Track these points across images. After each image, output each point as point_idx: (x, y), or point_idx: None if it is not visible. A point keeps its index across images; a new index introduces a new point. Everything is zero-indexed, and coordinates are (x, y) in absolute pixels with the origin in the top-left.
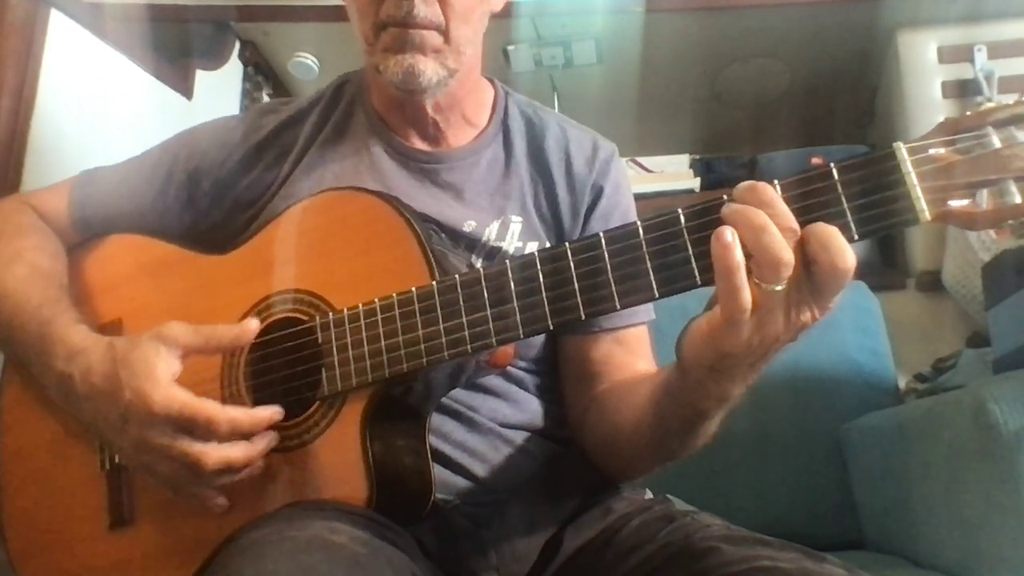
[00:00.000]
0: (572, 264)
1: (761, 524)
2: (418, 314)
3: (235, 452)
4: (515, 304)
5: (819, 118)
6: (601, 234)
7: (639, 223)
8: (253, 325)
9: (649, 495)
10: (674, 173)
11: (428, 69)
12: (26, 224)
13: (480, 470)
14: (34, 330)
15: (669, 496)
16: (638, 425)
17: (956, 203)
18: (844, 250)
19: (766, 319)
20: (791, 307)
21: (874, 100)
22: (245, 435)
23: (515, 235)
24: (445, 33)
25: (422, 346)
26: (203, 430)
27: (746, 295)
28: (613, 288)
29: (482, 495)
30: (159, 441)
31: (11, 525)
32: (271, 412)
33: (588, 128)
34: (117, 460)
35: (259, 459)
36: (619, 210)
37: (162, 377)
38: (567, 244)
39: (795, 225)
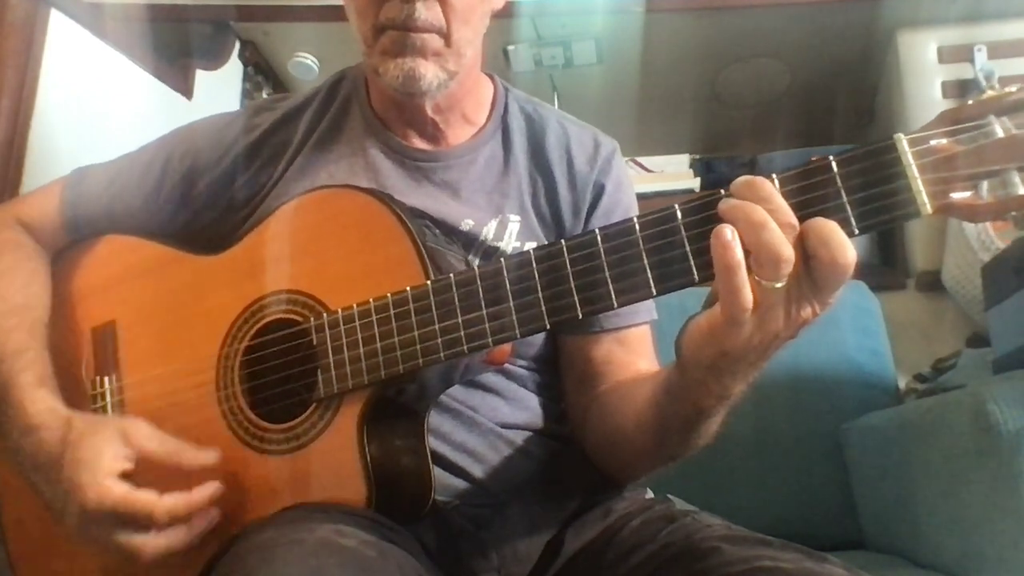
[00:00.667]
0: (568, 262)
1: (761, 524)
2: (413, 314)
3: (174, 540)
4: (511, 303)
5: (819, 118)
6: (597, 231)
7: (635, 220)
8: (214, 457)
9: (650, 495)
10: (674, 173)
11: (428, 73)
12: (1, 243)
13: (480, 472)
14: None
15: (670, 496)
16: (639, 424)
17: (958, 195)
18: (844, 245)
19: (766, 316)
20: (791, 304)
21: (874, 100)
22: (186, 519)
23: (513, 234)
24: (446, 36)
25: (418, 347)
26: (142, 522)
27: (747, 294)
28: (610, 286)
29: (482, 496)
30: (95, 533)
31: (11, 528)
32: (210, 492)
33: (588, 125)
34: None
35: (199, 536)
36: (621, 208)
37: (103, 469)
38: (563, 242)
39: (794, 220)
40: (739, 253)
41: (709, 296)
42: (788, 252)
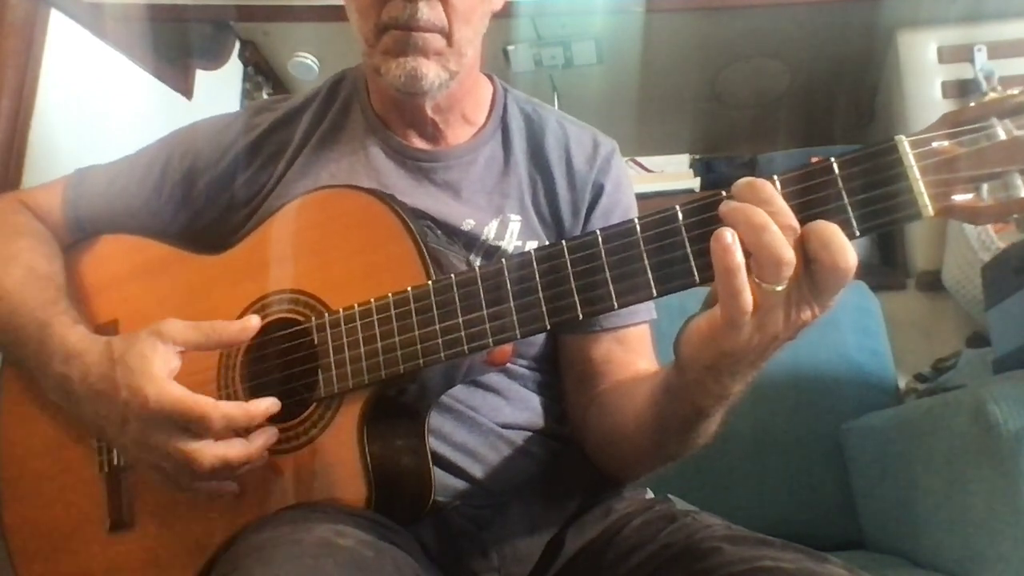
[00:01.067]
0: (569, 263)
1: (761, 524)
2: (414, 314)
3: (231, 451)
4: (511, 304)
5: (819, 118)
6: (598, 232)
7: (636, 221)
8: (254, 321)
9: (650, 495)
10: (674, 173)
11: (430, 72)
12: (22, 224)
13: (480, 472)
14: (32, 333)
15: (670, 496)
16: (638, 424)
17: (960, 197)
18: (845, 248)
19: (766, 319)
20: (791, 306)
21: (874, 100)
22: (242, 430)
23: (514, 234)
24: (448, 35)
25: (418, 347)
26: (198, 426)
27: (747, 297)
28: (611, 287)
29: (483, 496)
30: (156, 439)
31: (12, 527)
32: (267, 405)
33: (588, 125)
34: (117, 462)
35: (258, 456)
36: (620, 207)
37: (158, 373)
38: (564, 242)
39: (795, 223)
40: (739, 256)
41: (708, 297)
42: (789, 255)
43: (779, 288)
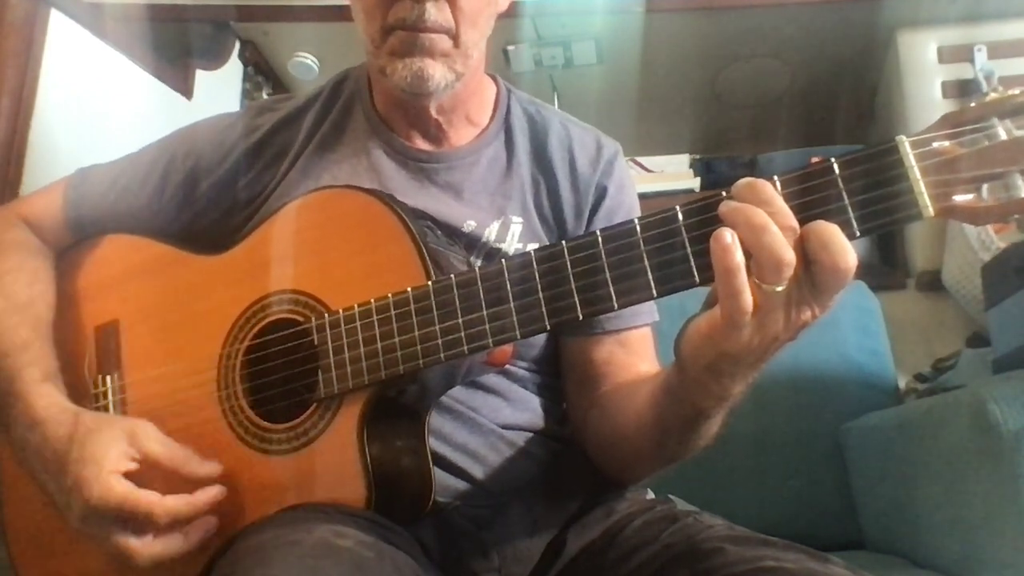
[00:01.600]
0: (569, 263)
1: (761, 524)
2: (414, 315)
3: (170, 547)
4: (511, 304)
5: (819, 118)
6: (598, 232)
7: (636, 221)
8: (217, 469)
9: (651, 495)
10: (674, 173)
11: (436, 73)
12: (8, 241)
13: (481, 473)
14: (2, 379)
15: (671, 496)
16: (639, 426)
17: (960, 197)
18: (845, 249)
19: (767, 319)
20: (791, 306)
21: (874, 100)
22: (185, 522)
23: (515, 236)
24: (455, 37)
25: (418, 347)
26: (141, 522)
27: (747, 297)
28: (611, 288)
29: (483, 497)
30: (95, 530)
31: (12, 527)
32: (212, 495)
33: (591, 127)
34: None
35: (196, 547)
36: (623, 209)
37: (108, 466)
38: (564, 243)
39: (795, 224)
40: (739, 256)
41: (708, 297)
42: (789, 255)
43: (779, 289)
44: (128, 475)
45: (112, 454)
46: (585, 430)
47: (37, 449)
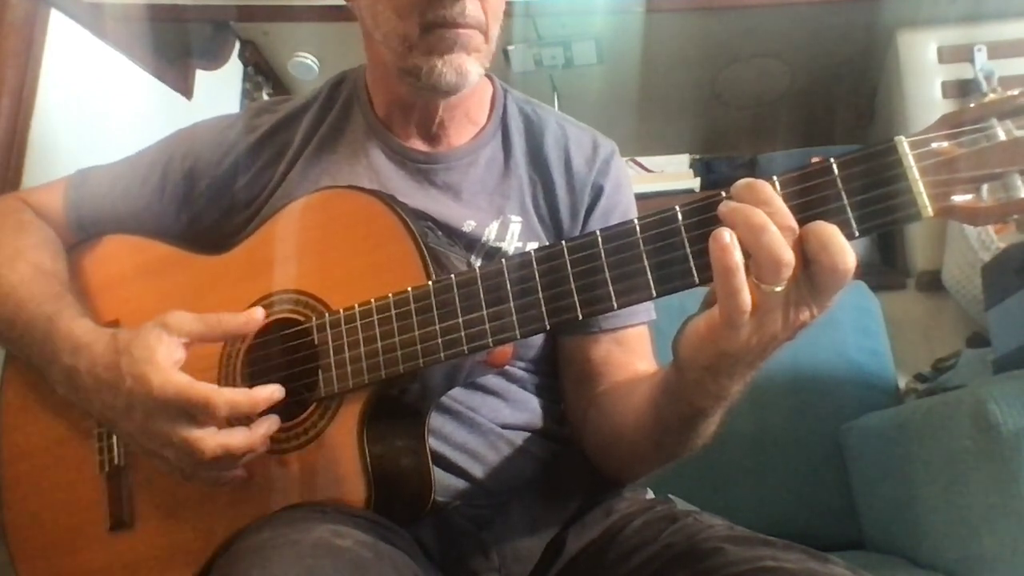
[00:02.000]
0: (568, 263)
1: (761, 524)
2: (414, 315)
3: (233, 439)
4: (511, 304)
5: (819, 118)
6: (598, 232)
7: (636, 221)
8: (259, 314)
9: (651, 495)
10: (674, 173)
11: (473, 69)
12: (27, 222)
13: (480, 472)
14: (39, 326)
15: (671, 496)
16: (638, 425)
17: (959, 198)
18: (844, 250)
19: (765, 319)
20: (790, 306)
21: (874, 100)
22: (245, 417)
23: (515, 235)
24: (485, 32)
25: (418, 347)
26: (202, 413)
27: (745, 297)
28: (610, 287)
29: (483, 497)
30: (160, 426)
31: (13, 526)
32: (271, 391)
33: (587, 126)
34: (117, 462)
35: (261, 444)
36: (619, 209)
37: (162, 362)
38: (563, 243)
39: (794, 224)
40: (737, 255)
41: (707, 297)
42: (788, 256)
43: (778, 289)
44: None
45: (161, 348)
46: (583, 429)
47: (88, 369)
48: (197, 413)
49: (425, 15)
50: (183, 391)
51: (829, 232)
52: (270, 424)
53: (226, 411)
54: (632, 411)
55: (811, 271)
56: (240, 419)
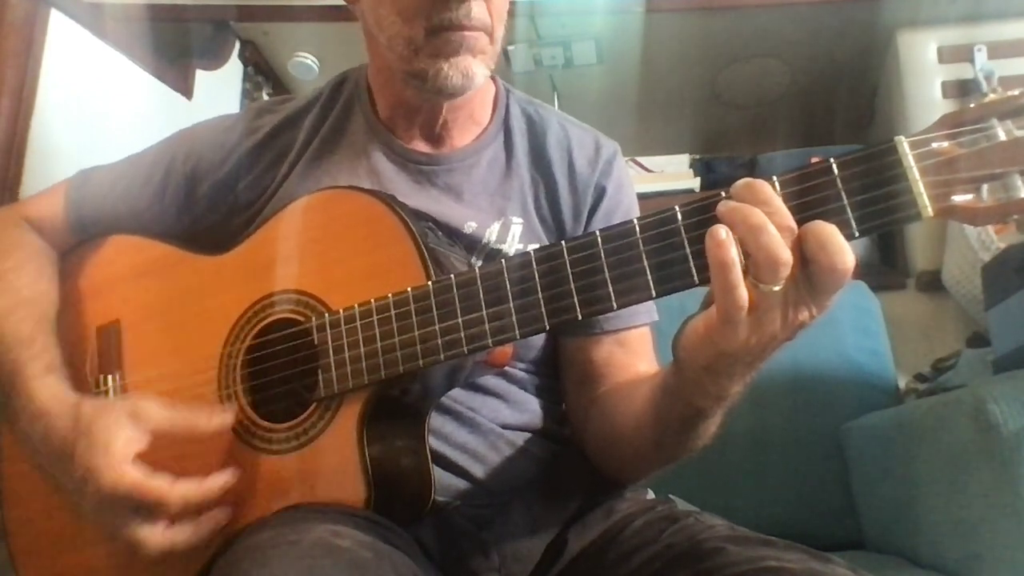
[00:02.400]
0: (568, 263)
1: (761, 524)
2: (414, 315)
3: (180, 536)
4: (511, 304)
5: (819, 118)
6: (597, 232)
7: (636, 221)
8: (229, 417)
9: (651, 495)
10: (674, 173)
11: (479, 71)
12: (14, 239)
13: (481, 472)
14: (4, 374)
15: (671, 496)
16: (638, 426)
17: (959, 198)
18: (843, 250)
19: (764, 319)
20: (789, 306)
21: (874, 100)
22: (197, 509)
23: (516, 237)
24: (490, 34)
25: (418, 347)
26: (153, 509)
27: (741, 293)
28: (610, 288)
29: (483, 497)
30: (108, 519)
31: (13, 525)
32: (223, 481)
33: (590, 127)
34: None
35: (206, 537)
36: (621, 209)
37: (119, 451)
38: (563, 243)
39: (793, 224)
40: (733, 252)
41: (706, 297)
42: (786, 255)
43: (776, 288)
44: (139, 456)
45: (120, 439)
46: (584, 430)
47: (43, 442)
48: (148, 509)
49: (431, 18)
50: (136, 487)
51: (828, 232)
52: (217, 520)
53: (179, 507)
54: (632, 412)
55: (810, 271)
56: (192, 510)
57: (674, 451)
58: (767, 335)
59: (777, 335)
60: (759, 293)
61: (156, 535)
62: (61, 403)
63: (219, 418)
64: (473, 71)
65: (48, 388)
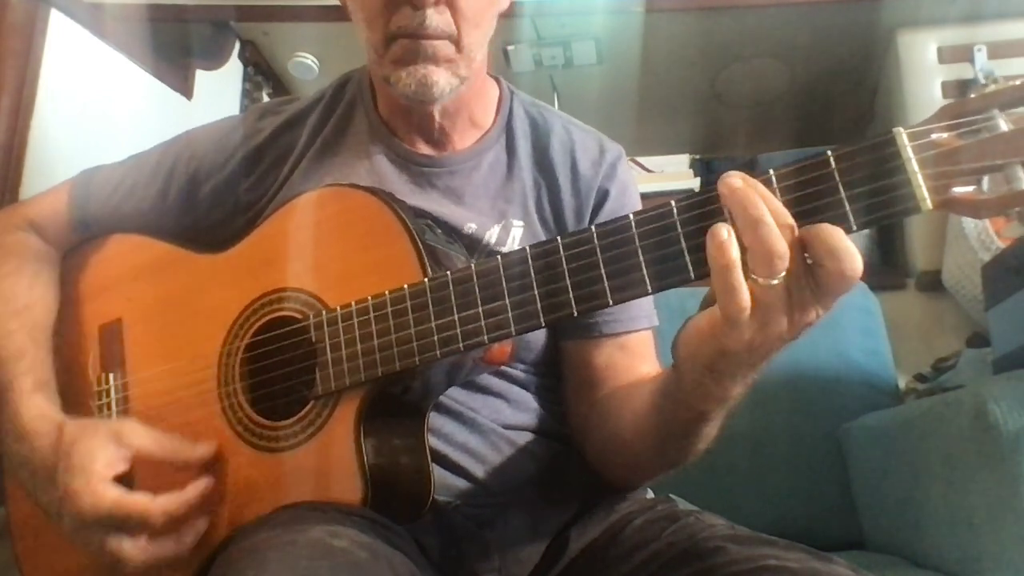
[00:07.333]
0: (564, 259)
1: (761, 524)
2: (410, 312)
3: (164, 550)
4: (507, 301)
5: (819, 118)
6: (593, 228)
7: (631, 217)
8: (212, 449)
9: (651, 495)
10: (674, 173)
11: (441, 79)
12: (10, 244)
13: (481, 472)
14: None
15: (672, 496)
16: (639, 429)
17: (960, 190)
18: (852, 255)
19: (768, 318)
20: (794, 307)
21: (874, 100)
22: (179, 520)
23: (516, 239)
24: (456, 42)
25: (414, 344)
26: (136, 526)
27: (744, 293)
28: (606, 283)
29: (484, 496)
30: (89, 538)
31: (18, 525)
32: (203, 486)
33: (593, 130)
34: None
35: (188, 550)
36: (624, 212)
37: (98, 472)
38: (559, 239)
39: (791, 221)
40: (734, 252)
41: (707, 297)
42: (781, 247)
43: (774, 282)
44: (120, 476)
45: (100, 461)
46: (585, 434)
47: (26, 461)
48: (130, 526)
49: (388, 26)
50: (117, 506)
51: (836, 237)
52: (197, 532)
53: (161, 522)
54: (633, 415)
55: (818, 275)
56: (176, 520)
57: (675, 456)
58: (773, 335)
59: (784, 335)
60: (759, 288)
61: (139, 550)
62: (45, 423)
63: (203, 449)
64: (432, 80)
65: (35, 407)
